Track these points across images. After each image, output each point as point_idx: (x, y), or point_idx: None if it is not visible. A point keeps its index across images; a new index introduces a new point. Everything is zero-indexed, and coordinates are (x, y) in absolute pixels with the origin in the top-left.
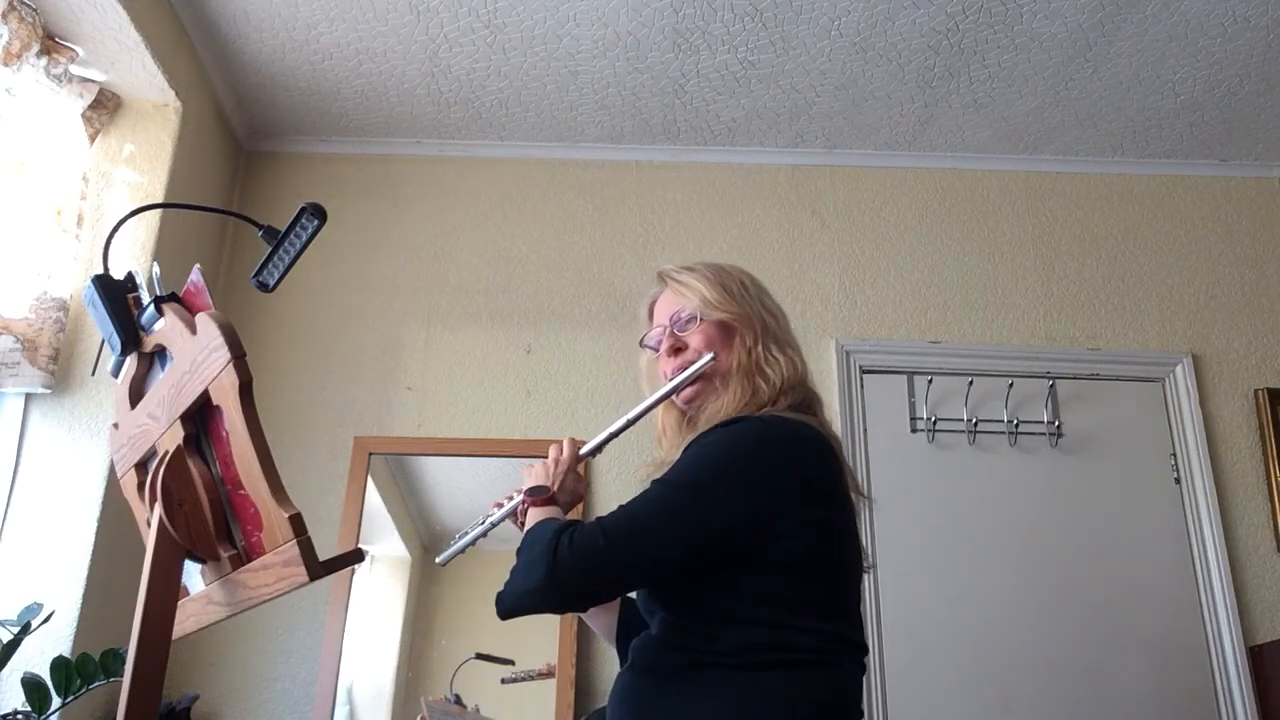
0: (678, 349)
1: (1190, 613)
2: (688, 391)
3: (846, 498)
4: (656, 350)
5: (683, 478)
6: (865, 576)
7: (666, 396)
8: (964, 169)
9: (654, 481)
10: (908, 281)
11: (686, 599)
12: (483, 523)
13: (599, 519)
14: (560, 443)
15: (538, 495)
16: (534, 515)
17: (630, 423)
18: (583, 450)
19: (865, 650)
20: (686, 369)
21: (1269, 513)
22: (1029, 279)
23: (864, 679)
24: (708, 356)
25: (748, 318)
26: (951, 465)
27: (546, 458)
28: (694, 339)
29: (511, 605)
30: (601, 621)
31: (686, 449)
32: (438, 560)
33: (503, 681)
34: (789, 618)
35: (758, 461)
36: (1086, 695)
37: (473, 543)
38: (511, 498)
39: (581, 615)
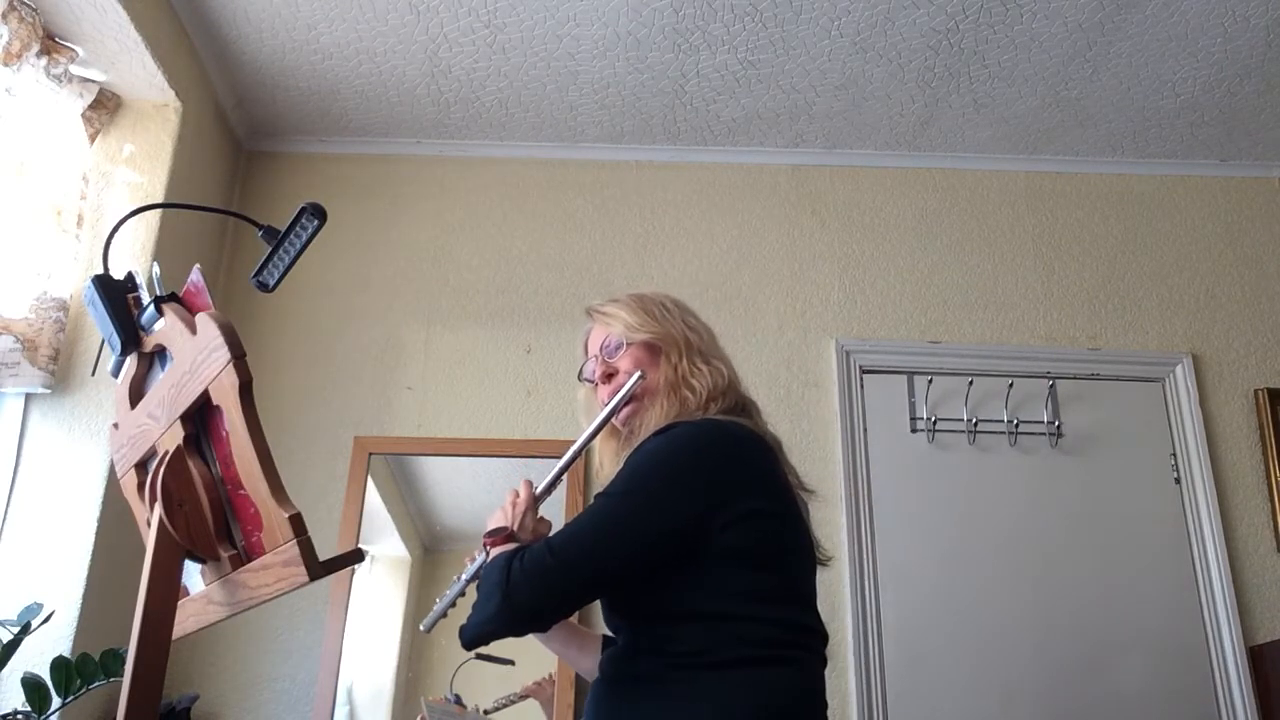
0: (609, 374)
1: (1190, 613)
2: (624, 413)
3: (788, 490)
4: (593, 381)
5: (624, 486)
6: (859, 570)
7: (606, 420)
8: (964, 169)
9: (597, 495)
10: (908, 281)
11: (644, 603)
12: (459, 579)
13: (547, 539)
14: (516, 488)
15: (497, 535)
16: (495, 554)
17: (576, 454)
18: (537, 491)
19: (825, 639)
20: (619, 392)
21: (1269, 513)
22: (1029, 279)
23: (824, 671)
24: (636, 375)
25: (670, 336)
26: (951, 465)
27: (513, 496)
28: (623, 362)
29: (473, 635)
30: (585, 666)
31: (626, 460)
32: (421, 627)
33: (486, 713)
34: (746, 608)
35: (695, 459)
36: (1086, 695)
37: (452, 603)
38: (483, 548)
39: (567, 663)
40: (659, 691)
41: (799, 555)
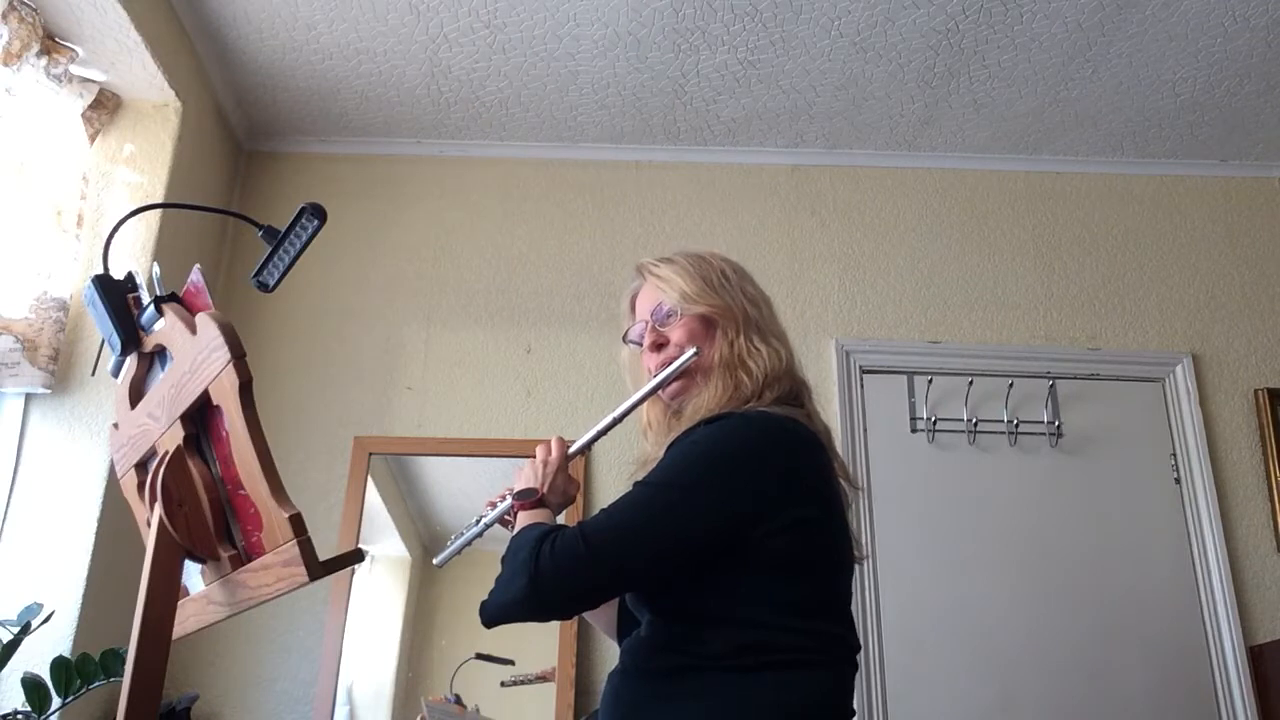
0: (659, 344)
1: (1190, 613)
2: (672, 387)
3: (835, 492)
4: (640, 345)
5: (666, 478)
6: (859, 570)
7: (651, 393)
8: (964, 169)
9: (636, 483)
10: (908, 281)
11: (673, 600)
12: (477, 523)
13: (580, 524)
14: (548, 443)
15: (526, 498)
16: (523, 519)
17: (617, 420)
18: (571, 450)
19: (856, 648)
20: (669, 365)
21: (1269, 513)
22: (1029, 279)
23: (855, 678)
24: (690, 352)
25: (728, 309)
26: (951, 465)
27: (544, 453)
28: (675, 334)
29: (494, 615)
30: (602, 618)
31: (670, 448)
32: (435, 562)
33: (502, 685)
34: (777, 617)
35: (742, 460)
36: (1086, 695)
37: (469, 543)
38: (504, 496)
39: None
40: (675, 691)
41: (837, 564)
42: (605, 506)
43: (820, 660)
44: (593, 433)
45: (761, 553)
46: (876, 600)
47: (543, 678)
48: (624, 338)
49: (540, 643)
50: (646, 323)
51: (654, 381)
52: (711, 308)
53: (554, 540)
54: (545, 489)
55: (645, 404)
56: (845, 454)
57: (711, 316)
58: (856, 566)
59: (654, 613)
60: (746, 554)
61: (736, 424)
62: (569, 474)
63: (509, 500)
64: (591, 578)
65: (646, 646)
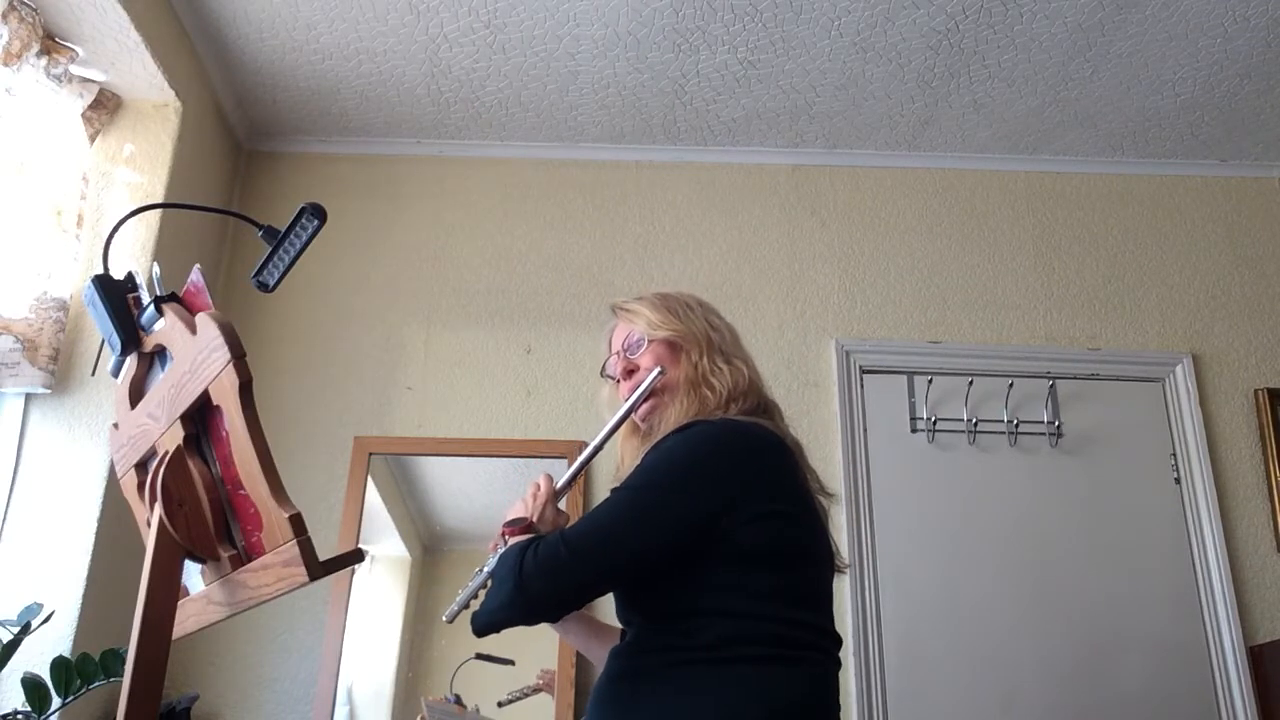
0: (630, 370)
1: (1190, 613)
2: (643, 408)
3: (807, 494)
4: (615, 378)
5: (641, 480)
6: (859, 569)
7: (626, 415)
8: (964, 169)
9: (613, 490)
10: (908, 281)
11: (657, 599)
12: (481, 571)
13: (561, 530)
14: (538, 481)
15: (517, 525)
16: (510, 543)
17: (596, 450)
18: (557, 486)
19: (839, 641)
20: (638, 388)
21: (1269, 513)
22: (1029, 279)
23: (839, 677)
24: (656, 371)
25: (692, 334)
26: (951, 465)
27: (534, 489)
28: (644, 359)
29: (485, 621)
30: (597, 651)
31: (644, 456)
32: (444, 617)
33: (499, 705)
34: (759, 607)
35: (713, 460)
36: (1086, 695)
37: (475, 594)
38: (504, 536)
39: (580, 650)
40: (665, 687)
41: (815, 558)
42: (586, 513)
43: (804, 656)
44: (574, 468)
45: (738, 545)
46: (876, 600)
47: (538, 689)
48: (601, 372)
49: (540, 643)
50: (619, 353)
51: (626, 405)
52: (675, 332)
53: (536, 547)
54: (535, 518)
55: (619, 440)
56: (845, 454)
57: (676, 341)
58: (853, 567)
59: (640, 615)
60: (723, 548)
61: (705, 429)
62: (557, 509)
63: (505, 542)
64: (574, 577)
65: (632, 648)
